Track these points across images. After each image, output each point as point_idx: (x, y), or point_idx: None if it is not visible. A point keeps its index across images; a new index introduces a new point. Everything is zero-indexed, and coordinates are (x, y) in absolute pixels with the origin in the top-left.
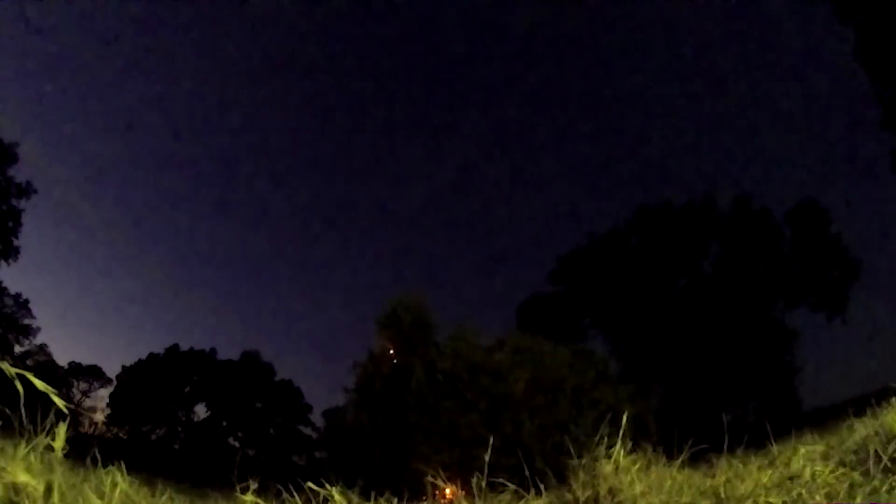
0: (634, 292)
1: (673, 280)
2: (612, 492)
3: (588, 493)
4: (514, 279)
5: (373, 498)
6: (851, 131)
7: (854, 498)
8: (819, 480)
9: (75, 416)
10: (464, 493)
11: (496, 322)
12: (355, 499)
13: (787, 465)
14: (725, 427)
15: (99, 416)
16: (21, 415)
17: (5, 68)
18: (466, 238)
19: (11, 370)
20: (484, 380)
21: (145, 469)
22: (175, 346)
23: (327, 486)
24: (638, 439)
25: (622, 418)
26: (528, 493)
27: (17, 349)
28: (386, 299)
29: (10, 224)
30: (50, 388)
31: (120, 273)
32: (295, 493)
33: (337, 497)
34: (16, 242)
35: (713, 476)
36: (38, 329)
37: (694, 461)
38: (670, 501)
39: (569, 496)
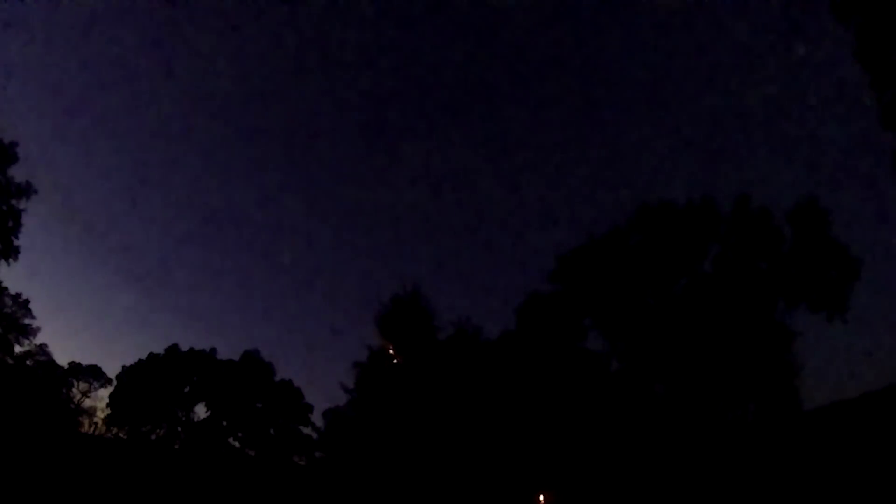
0: (634, 292)
1: (673, 280)
2: None
3: None
4: (513, 278)
5: None
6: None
7: None
8: None
9: (75, 416)
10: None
11: (495, 322)
12: None
13: None
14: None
15: (99, 416)
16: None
17: (5, 68)
18: (466, 237)
19: None
20: (483, 379)
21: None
22: (175, 346)
23: None
24: None
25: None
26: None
27: (18, 349)
28: (385, 299)
29: (10, 224)
30: None
31: (120, 273)
32: None
33: None
34: (16, 242)
35: None
36: (38, 329)
37: None
38: None
39: None
